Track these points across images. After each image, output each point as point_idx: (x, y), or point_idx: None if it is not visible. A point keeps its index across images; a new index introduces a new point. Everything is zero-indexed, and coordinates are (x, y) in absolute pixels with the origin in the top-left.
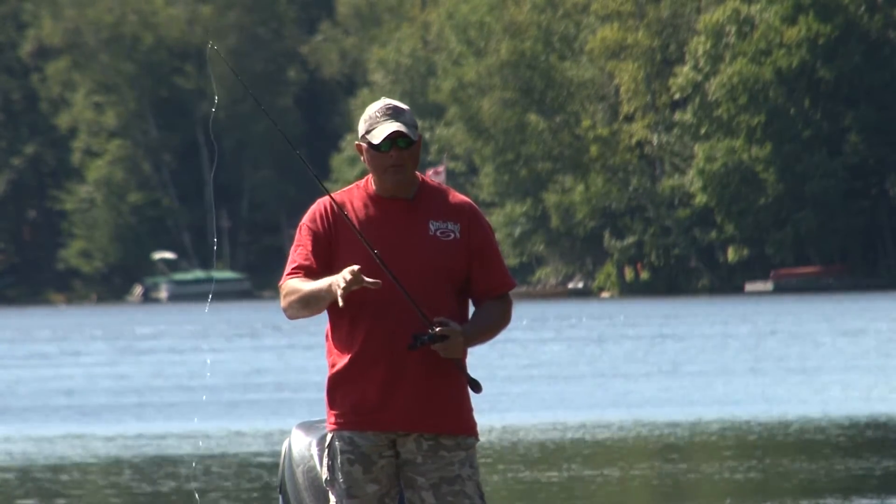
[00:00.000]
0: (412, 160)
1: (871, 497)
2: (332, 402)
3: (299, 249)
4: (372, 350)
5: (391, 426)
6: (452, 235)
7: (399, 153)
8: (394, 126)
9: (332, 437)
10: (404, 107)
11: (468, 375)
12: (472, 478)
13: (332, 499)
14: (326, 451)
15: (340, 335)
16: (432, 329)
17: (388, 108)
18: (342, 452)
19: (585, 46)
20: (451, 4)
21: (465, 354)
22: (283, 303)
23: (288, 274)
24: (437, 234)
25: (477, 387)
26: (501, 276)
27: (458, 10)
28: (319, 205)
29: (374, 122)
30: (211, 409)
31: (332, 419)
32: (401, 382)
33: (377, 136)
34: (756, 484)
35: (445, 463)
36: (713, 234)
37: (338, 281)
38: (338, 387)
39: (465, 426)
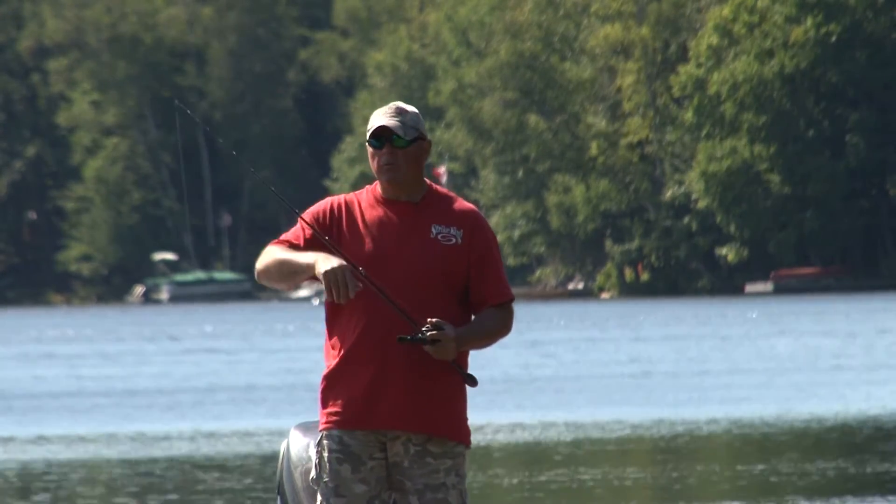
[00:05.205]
0: (408, 160)
1: (871, 497)
2: (325, 401)
3: (292, 231)
4: (365, 350)
5: (380, 425)
6: (454, 240)
7: (392, 151)
8: (384, 121)
9: (323, 437)
10: (410, 108)
11: (463, 372)
12: (457, 486)
13: (318, 498)
14: (316, 449)
15: (335, 336)
16: (423, 333)
17: (391, 109)
18: (331, 451)
19: (586, 46)
20: (450, 6)
21: (465, 356)
22: (259, 265)
23: (272, 243)
24: (439, 237)
25: (472, 381)
26: (498, 287)
27: (456, 11)
28: (325, 204)
29: (376, 120)
30: (210, 409)
31: (324, 418)
32: (391, 382)
33: (369, 133)
34: (756, 484)
35: (431, 470)
36: (715, 236)
37: (327, 269)
38: (330, 386)
39: (456, 432)
